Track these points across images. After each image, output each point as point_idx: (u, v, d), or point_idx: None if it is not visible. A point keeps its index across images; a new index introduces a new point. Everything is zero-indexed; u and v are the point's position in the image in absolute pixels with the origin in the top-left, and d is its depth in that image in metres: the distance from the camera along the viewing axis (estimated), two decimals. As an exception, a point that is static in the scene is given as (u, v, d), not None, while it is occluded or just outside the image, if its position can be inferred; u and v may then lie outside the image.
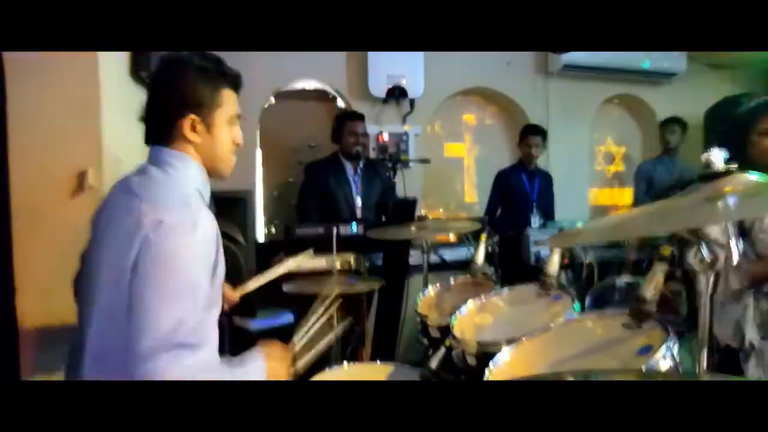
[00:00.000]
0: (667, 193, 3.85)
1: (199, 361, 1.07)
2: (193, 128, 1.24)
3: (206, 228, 1.14)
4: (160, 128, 1.25)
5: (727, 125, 4.13)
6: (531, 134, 3.77)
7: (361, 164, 3.42)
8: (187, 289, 1.09)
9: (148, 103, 1.28)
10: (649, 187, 3.98)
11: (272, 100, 4.12)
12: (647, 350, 1.12)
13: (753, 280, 1.80)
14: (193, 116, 1.23)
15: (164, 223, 1.10)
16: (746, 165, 1.07)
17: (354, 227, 2.83)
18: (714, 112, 4.47)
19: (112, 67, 2.23)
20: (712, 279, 0.98)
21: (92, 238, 1.25)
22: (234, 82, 1.31)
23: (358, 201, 3.38)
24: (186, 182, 1.22)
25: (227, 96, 1.29)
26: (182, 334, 1.05)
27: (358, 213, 3.36)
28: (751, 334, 1.79)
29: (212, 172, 1.30)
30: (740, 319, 1.82)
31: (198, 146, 1.26)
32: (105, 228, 1.19)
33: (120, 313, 1.07)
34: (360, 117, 3.44)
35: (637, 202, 4.04)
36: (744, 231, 1.84)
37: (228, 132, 1.30)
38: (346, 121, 3.40)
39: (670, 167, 4.00)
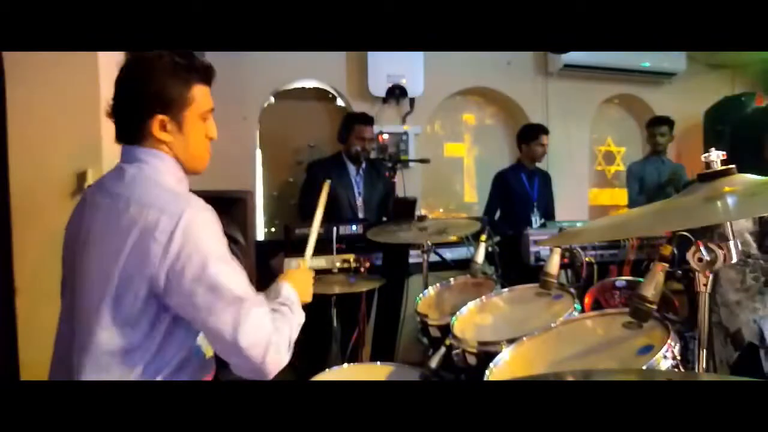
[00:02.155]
0: (661, 192, 3.87)
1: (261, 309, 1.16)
2: (164, 128, 1.19)
3: (203, 207, 1.15)
4: (130, 128, 1.21)
5: (737, 126, 4.11)
6: (544, 133, 3.75)
7: (364, 165, 3.42)
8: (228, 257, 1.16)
9: (115, 101, 1.22)
10: (641, 187, 4.00)
11: (272, 99, 4.12)
12: (647, 350, 1.12)
13: None
14: (162, 116, 1.18)
15: (162, 216, 1.10)
16: (761, 166, 1.07)
17: (354, 227, 2.83)
18: (714, 112, 4.47)
19: (112, 67, 2.23)
20: (711, 278, 0.98)
21: (76, 251, 1.20)
22: (205, 75, 1.25)
23: (360, 202, 3.38)
24: (164, 173, 1.20)
25: (199, 91, 1.22)
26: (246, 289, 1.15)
27: (359, 214, 3.35)
28: None
29: (187, 169, 1.26)
30: (756, 317, 1.81)
31: (170, 144, 1.21)
32: (97, 239, 1.15)
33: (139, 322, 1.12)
34: (370, 121, 3.38)
35: (632, 201, 4.05)
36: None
37: (201, 128, 1.25)
38: (355, 124, 3.35)
39: (659, 167, 4.01)
